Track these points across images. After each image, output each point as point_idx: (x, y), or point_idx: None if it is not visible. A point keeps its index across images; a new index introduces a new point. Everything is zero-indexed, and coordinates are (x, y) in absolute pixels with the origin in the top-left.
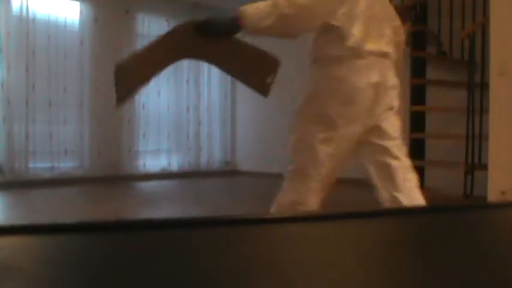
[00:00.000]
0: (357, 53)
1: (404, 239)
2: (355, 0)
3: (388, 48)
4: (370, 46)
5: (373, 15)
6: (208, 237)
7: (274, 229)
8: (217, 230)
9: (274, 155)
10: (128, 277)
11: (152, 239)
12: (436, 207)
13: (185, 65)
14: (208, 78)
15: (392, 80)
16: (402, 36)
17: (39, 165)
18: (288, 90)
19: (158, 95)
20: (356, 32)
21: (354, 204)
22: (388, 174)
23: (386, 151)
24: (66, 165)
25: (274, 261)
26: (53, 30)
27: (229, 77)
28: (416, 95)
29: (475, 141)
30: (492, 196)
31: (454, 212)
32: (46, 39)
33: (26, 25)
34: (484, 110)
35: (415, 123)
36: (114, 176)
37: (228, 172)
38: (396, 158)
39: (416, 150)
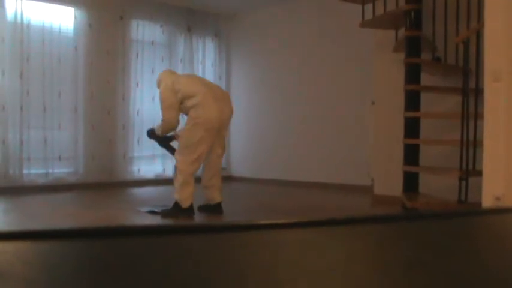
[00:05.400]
0: None
1: (398, 245)
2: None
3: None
4: None
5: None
6: (200, 243)
7: (265, 235)
8: (209, 236)
9: (266, 162)
10: (122, 283)
11: (146, 245)
12: (431, 213)
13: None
14: None
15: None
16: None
17: (34, 171)
18: (280, 105)
19: (153, 101)
20: None
21: (346, 209)
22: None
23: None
24: (61, 171)
25: (265, 266)
26: (47, 36)
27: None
28: (411, 100)
29: (470, 147)
30: (486, 202)
31: (448, 217)
32: (40, 45)
33: (21, 31)
34: (478, 116)
35: (410, 129)
36: (108, 182)
37: (223, 178)
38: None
39: (410, 156)
